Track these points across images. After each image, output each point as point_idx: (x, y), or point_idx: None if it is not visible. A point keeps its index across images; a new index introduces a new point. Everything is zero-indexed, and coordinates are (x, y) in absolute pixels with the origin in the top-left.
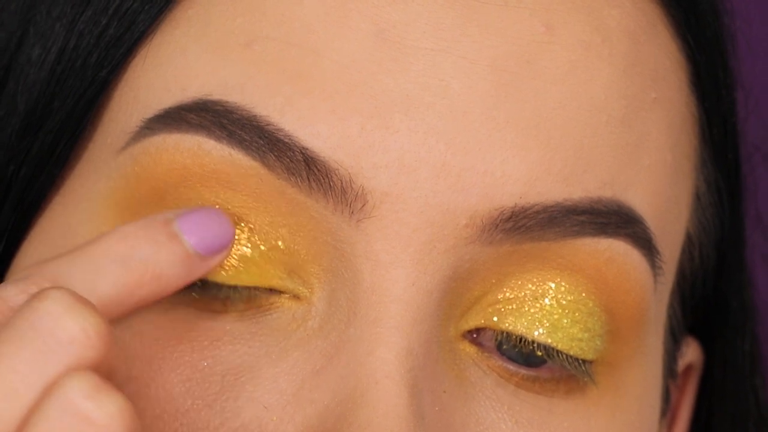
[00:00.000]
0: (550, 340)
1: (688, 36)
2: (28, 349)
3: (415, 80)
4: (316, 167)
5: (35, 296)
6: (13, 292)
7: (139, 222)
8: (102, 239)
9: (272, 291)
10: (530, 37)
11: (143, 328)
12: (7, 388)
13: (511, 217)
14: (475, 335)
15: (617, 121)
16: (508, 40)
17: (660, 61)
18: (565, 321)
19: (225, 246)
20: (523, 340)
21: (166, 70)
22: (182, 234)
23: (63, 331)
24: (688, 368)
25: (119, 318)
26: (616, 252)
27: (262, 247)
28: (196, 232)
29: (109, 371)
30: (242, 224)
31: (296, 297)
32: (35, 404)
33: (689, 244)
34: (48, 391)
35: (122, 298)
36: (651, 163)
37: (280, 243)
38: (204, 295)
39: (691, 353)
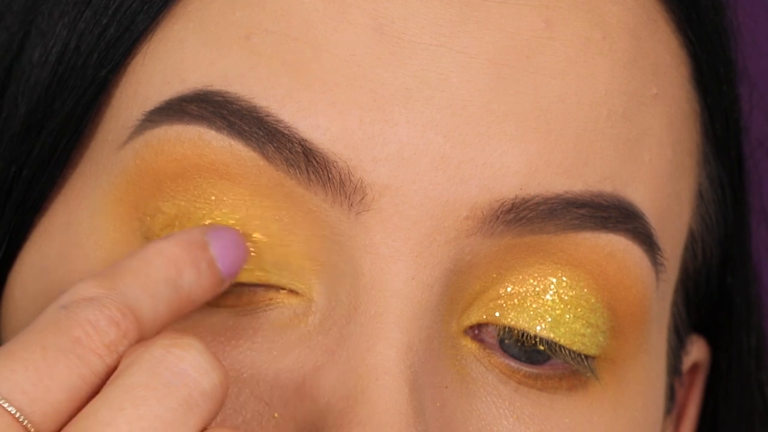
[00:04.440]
0: (552, 335)
1: (689, 32)
2: (175, 398)
3: (414, 74)
4: (315, 159)
5: (175, 344)
6: (98, 317)
7: (179, 240)
8: (150, 258)
9: (270, 287)
10: (530, 33)
11: None
12: None
13: (511, 209)
14: (476, 331)
15: (618, 116)
16: (507, 35)
17: (661, 57)
18: (568, 316)
19: (240, 270)
20: (525, 335)
21: (166, 63)
22: (216, 259)
23: (208, 384)
24: (695, 366)
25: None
26: (617, 247)
27: (262, 242)
28: (226, 258)
29: None
30: (238, 217)
31: (294, 292)
32: None
33: (692, 241)
34: None
35: (170, 320)
36: (652, 159)
37: (277, 237)
38: None
39: (697, 351)
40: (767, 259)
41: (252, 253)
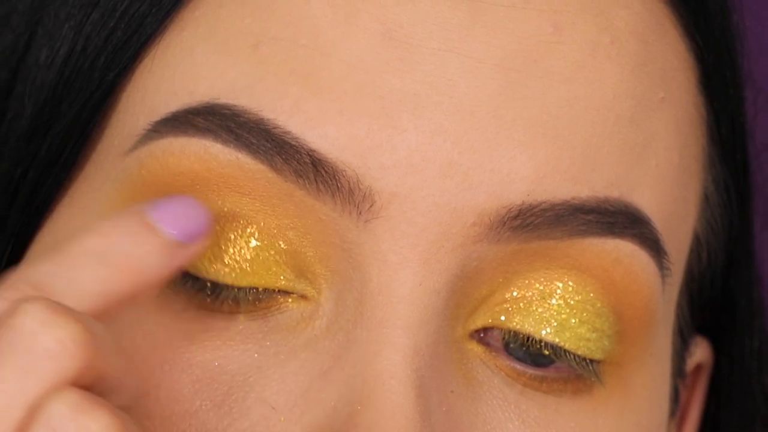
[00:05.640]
0: (557, 340)
1: (697, 36)
2: (7, 368)
3: (422, 80)
4: (324, 169)
5: (11, 313)
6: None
7: (113, 218)
8: (77, 238)
9: (281, 292)
10: (538, 38)
11: (155, 330)
12: None
13: (518, 215)
14: (482, 335)
15: (625, 121)
16: (515, 40)
17: (668, 61)
18: (573, 321)
19: (203, 231)
20: (530, 339)
21: (174, 72)
22: (158, 223)
23: (39, 345)
24: (698, 368)
25: (108, 314)
26: (623, 253)
27: (271, 251)
28: (171, 221)
29: (100, 375)
30: (251, 226)
31: (303, 297)
32: (23, 425)
33: (697, 245)
34: (32, 413)
35: (106, 293)
36: (659, 164)
37: (288, 246)
38: (215, 297)
39: (701, 353)
40: None
41: (283, 263)
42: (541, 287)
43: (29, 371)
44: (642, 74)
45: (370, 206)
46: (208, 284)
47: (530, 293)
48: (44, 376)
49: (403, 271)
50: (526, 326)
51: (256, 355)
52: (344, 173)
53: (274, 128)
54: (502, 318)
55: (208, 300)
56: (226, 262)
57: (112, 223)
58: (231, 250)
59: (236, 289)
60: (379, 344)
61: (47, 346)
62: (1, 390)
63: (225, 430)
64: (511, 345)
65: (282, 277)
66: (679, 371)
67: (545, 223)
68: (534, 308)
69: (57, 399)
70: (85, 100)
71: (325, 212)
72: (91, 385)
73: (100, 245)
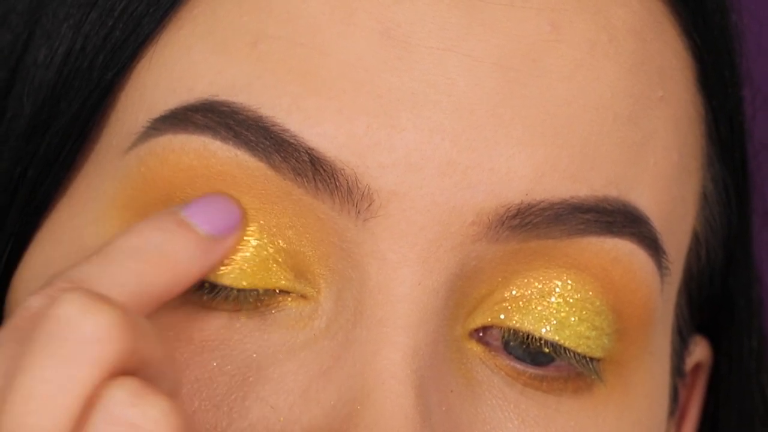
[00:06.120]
0: (557, 338)
1: (695, 34)
2: (53, 358)
3: (420, 78)
4: (322, 167)
5: (51, 304)
6: (36, 300)
7: (147, 219)
8: (114, 239)
9: (280, 292)
10: (536, 36)
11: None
12: (45, 398)
13: (517, 214)
14: (481, 334)
15: (623, 119)
16: (513, 39)
17: (667, 60)
18: (573, 319)
19: (236, 225)
20: (530, 337)
21: (172, 70)
22: (190, 219)
23: (81, 332)
24: (697, 367)
25: (147, 310)
26: (622, 252)
27: (270, 249)
28: (203, 216)
29: (143, 360)
30: (250, 225)
31: (303, 297)
32: (81, 413)
33: (696, 243)
34: (92, 402)
35: (141, 287)
36: (657, 162)
37: (287, 245)
38: (213, 297)
39: (700, 352)
40: None
41: (282, 263)
42: (540, 286)
43: (72, 358)
44: (640, 72)
45: (369, 205)
46: (206, 284)
47: (529, 292)
48: (88, 362)
49: (402, 270)
50: (526, 324)
51: (254, 355)
52: (343, 172)
53: (273, 126)
54: (502, 317)
55: (206, 299)
56: (225, 262)
57: (146, 222)
58: None
59: (235, 289)
60: (379, 343)
61: (88, 331)
62: (44, 379)
63: (224, 430)
64: (511, 343)
65: (281, 277)
66: (678, 370)
67: (544, 222)
68: (533, 307)
69: (115, 386)
70: (83, 99)
71: (323, 211)
72: (135, 372)
73: (134, 242)
